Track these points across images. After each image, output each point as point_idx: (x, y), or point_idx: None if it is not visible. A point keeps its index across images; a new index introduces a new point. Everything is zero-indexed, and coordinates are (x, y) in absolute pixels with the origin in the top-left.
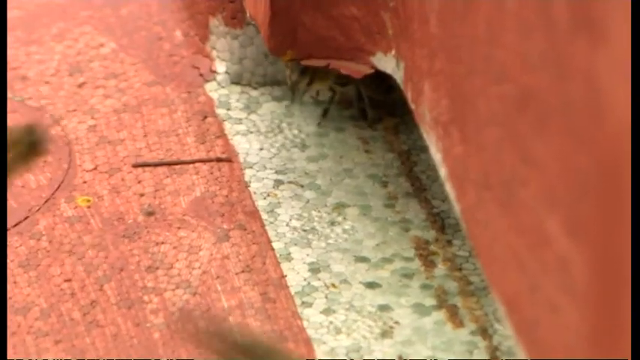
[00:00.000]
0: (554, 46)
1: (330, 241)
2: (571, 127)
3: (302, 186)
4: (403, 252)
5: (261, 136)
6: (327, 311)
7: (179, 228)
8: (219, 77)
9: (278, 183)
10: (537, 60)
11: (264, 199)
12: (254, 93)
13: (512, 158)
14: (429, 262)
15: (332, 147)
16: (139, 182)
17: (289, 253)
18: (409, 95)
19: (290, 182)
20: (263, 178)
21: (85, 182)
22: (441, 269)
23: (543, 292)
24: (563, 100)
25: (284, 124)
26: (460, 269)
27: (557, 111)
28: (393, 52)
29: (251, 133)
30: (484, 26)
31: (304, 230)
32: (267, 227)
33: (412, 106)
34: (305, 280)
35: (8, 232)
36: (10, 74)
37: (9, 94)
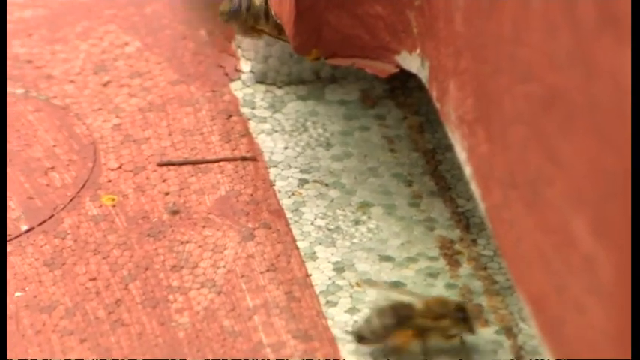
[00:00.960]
0: (580, 45)
1: (355, 240)
2: (597, 126)
3: (327, 185)
4: (428, 251)
5: (286, 135)
6: (352, 310)
7: (204, 227)
8: (243, 76)
9: (303, 182)
10: (563, 59)
11: (289, 198)
12: (279, 92)
13: (537, 157)
14: (453, 261)
15: (357, 146)
16: (164, 181)
17: (314, 252)
18: (434, 94)
19: (315, 181)
20: (288, 177)
21: (109, 181)
22: (465, 268)
23: (569, 291)
24: (589, 99)
25: (309, 123)
26: (485, 268)
27: (584, 110)
28: (418, 50)
29: (276, 132)
30: (509, 25)
31: (329, 229)
32: (291, 226)
33: (437, 105)
34: (330, 279)
35: (33, 231)
36: (35, 73)
37: (34, 93)
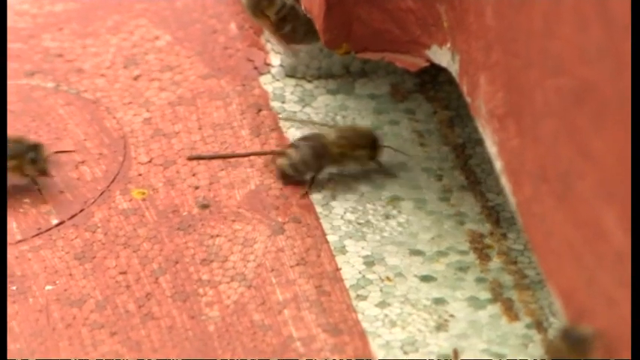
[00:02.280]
0: (611, 39)
1: (385, 234)
2: (628, 120)
3: (357, 179)
4: (458, 245)
5: (316, 129)
6: (382, 304)
7: (234, 221)
8: (273, 70)
9: (332, 176)
10: (595, 53)
11: (319, 192)
12: (308, 86)
13: (569, 151)
14: (484, 256)
15: (386, 140)
16: (194, 175)
17: (344, 246)
18: (464, 88)
19: (344, 175)
20: None
21: (140, 175)
22: (496, 262)
23: (599, 285)
24: (619, 93)
25: (338, 117)
26: (515, 262)
27: (615, 104)
28: (449, 44)
29: (306, 126)
30: (541, 18)
31: (359, 223)
32: (321, 220)
33: (468, 99)
34: (360, 273)
35: (64, 225)
36: (65, 67)
37: (64, 87)
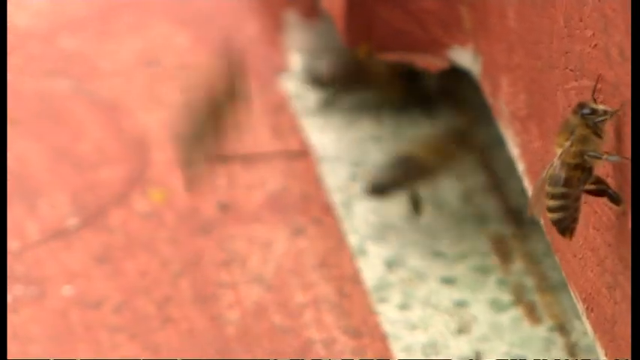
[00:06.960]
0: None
1: (406, 235)
2: None
3: None
4: (480, 247)
5: (336, 129)
6: (403, 306)
7: (254, 222)
8: (294, 70)
9: (353, 177)
10: (617, 55)
11: (339, 193)
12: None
13: None
14: (505, 258)
15: (409, 140)
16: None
17: (364, 248)
18: (486, 89)
19: (365, 176)
20: (338, 172)
21: (158, 176)
22: (517, 265)
23: (622, 289)
24: None
25: (359, 118)
26: (537, 265)
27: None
28: (471, 45)
29: (326, 126)
30: (563, 20)
31: (379, 224)
32: (342, 221)
33: (489, 101)
34: (380, 275)
35: (82, 227)
36: (84, 67)
37: (83, 87)
